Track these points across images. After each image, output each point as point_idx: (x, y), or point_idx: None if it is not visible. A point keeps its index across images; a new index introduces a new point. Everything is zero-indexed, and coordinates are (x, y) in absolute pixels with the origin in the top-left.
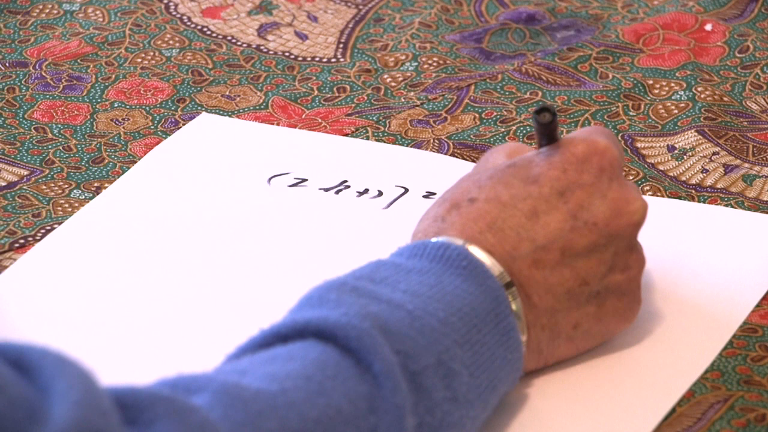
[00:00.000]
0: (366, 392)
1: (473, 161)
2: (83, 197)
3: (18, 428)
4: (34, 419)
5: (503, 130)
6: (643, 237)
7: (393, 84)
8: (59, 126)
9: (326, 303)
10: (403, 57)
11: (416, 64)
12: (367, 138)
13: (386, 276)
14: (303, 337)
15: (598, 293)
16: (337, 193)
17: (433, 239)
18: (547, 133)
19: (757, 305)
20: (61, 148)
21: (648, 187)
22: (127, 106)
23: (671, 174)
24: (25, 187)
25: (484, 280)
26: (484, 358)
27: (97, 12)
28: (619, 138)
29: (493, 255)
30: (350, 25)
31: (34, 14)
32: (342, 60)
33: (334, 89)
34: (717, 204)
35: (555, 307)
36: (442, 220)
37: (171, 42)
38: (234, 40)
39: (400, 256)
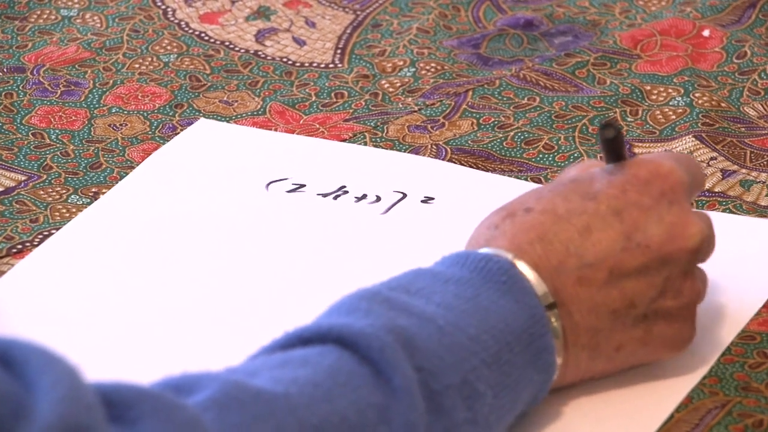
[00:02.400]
0: (379, 403)
1: (471, 167)
2: (81, 202)
3: (2, 424)
4: (19, 415)
5: (501, 135)
6: None
7: (391, 89)
8: (57, 131)
9: (355, 312)
10: (401, 63)
11: (414, 69)
12: (365, 143)
13: (422, 287)
14: (324, 342)
15: (646, 317)
16: (335, 198)
17: (480, 250)
18: (613, 150)
19: (756, 313)
20: (58, 153)
21: None
22: (125, 112)
23: None
24: (22, 193)
25: (523, 297)
26: (512, 379)
27: (95, 17)
28: None
29: (539, 268)
30: (348, 31)
31: (32, 20)
32: (340, 65)
33: (332, 95)
34: (715, 207)
35: (597, 327)
36: (495, 228)
37: (169, 47)
38: (232, 46)
39: (441, 264)
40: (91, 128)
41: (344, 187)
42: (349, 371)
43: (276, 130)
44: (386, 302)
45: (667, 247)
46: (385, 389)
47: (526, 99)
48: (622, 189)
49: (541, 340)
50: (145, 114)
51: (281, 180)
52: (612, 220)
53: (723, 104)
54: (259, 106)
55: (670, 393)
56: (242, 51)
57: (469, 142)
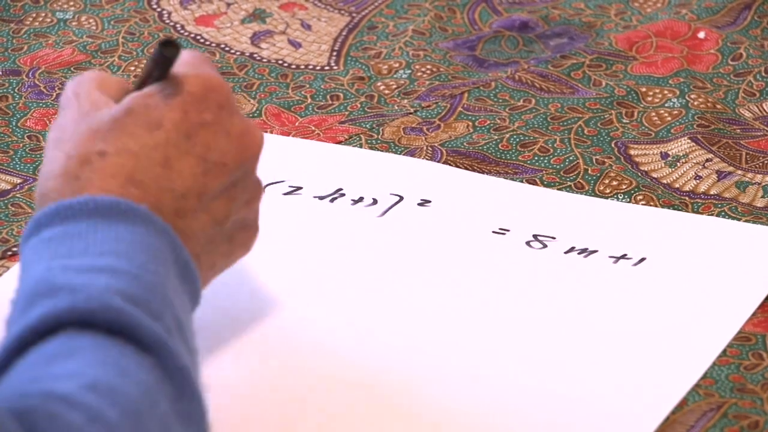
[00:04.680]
0: (152, 363)
1: (466, 169)
2: None
3: None
4: None
5: (496, 137)
6: (638, 246)
7: (386, 92)
8: None
9: (59, 291)
10: (397, 65)
11: (409, 71)
12: (361, 146)
13: (69, 249)
14: (57, 332)
15: (228, 230)
16: (331, 201)
17: (79, 198)
18: (165, 68)
19: (752, 314)
20: None
21: (641, 196)
22: None
23: (664, 181)
24: (18, 196)
25: (149, 219)
26: (183, 300)
27: (91, 20)
28: (612, 145)
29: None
30: (344, 33)
31: (27, 22)
32: (335, 68)
33: (328, 97)
34: (710, 210)
35: (197, 254)
36: (76, 178)
37: None
38: (227, 48)
39: (50, 228)
40: None
41: (341, 189)
42: (112, 345)
43: (272, 132)
44: (71, 270)
45: (240, 159)
46: (141, 349)
47: (521, 101)
48: (183, 110)
49: (182, 254)
50: None
51: (277, 182)
52: (185, 146)
53: (718, 106)
54: (254, 109)
55: (665, 395)
56: (238, 53)
57: (465, 144)
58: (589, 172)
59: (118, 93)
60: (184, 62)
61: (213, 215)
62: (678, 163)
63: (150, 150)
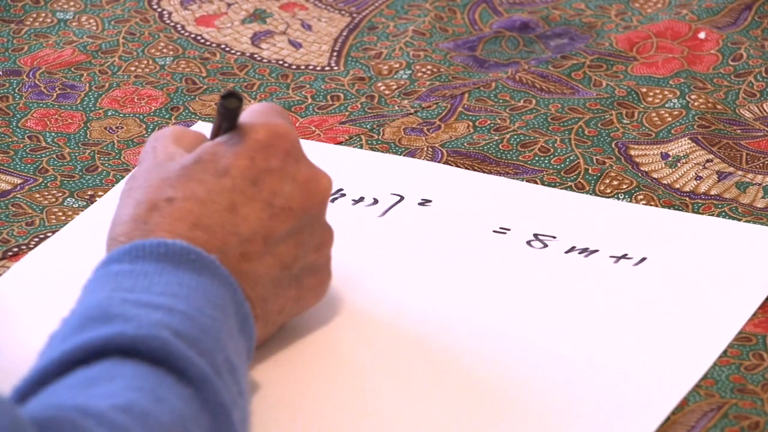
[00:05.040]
0: (191, 394)
1: (467, 169)
2: (77, 205)
3: None
4: None
5: (497, 138)
6: (639, 245)
7: (387, 92)
8: (53, 134)
9: (113, 319)
10: (397, 65)
11: (410, 72)
12: (361, 146)
13: (133, 285)
14: (102, 357)
15: (297, 275)
16: (332, 201)
17: (140, 241)
18: (233, 119)
19: (753, 314)
20: (54, 156)
21: (642, 196)
22: (121, 115)
23: (665, 182)
24: (18, 196)
25: (216, 271)
26: (239, 349)
27: (91, 20)
28: (613, 146)
29: (207, 252)
30: (344, 34)
31: (28, 23)
32: (336, 68)
33: (328, 97)
34: (711, 211)
35: (264, 297)
36: (144, 223)
37: (165, 50)
38: (228, 49)
39: (119, 263)
40: (87, 131)
41: (341, 189)
42: (155, 374)
43: None
44: (127, 303)
45: (306, 205)
46: (184, 381)
47: (522, 101)
48: (249, 158)
49: (242, 308)
50: (141, 117)
51: None
52: (251, 192)
53: (719, 106)
54: None
55: (666, 395)
56: (238, 54)
57: (465, 144)
58: (590, 171)
59: (192, 145)
60: (255, 111)
61: (280, 259)
62: (678, 164)
63: (216, 195)
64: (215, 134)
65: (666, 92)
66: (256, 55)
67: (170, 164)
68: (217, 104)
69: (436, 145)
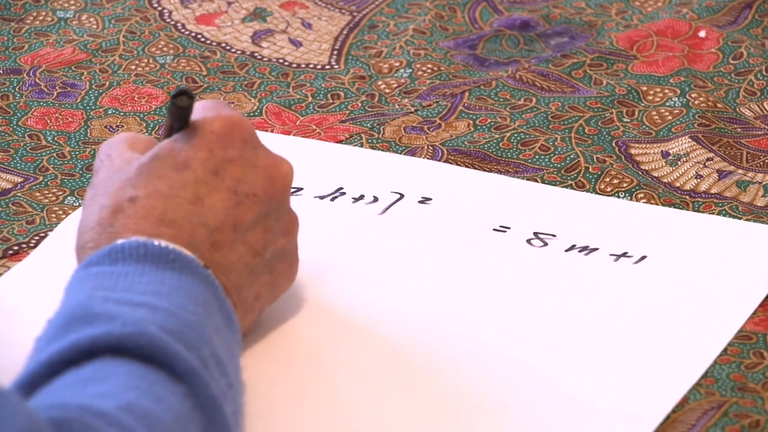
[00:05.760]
0: (184, 392)
1: (467, 167)
2: (77, 204)
3: None
4: None
5: (497, 136)
6: (639, 244)
7: (387, 91)
8: (53, 133)
9: (97, 318)
10: (398, 64)
11: (410, 70)
12: (362, 145)
13: (114, 284)
14: (91, 357)
15: (269, 261)
16: (332, 200)
17: (119, 242)
18: (185, 117)
19: (753, 313)
20: (55, 155)
21: (642, 195)
22: (121, 113)
23: (665, 180)
24: (18, 194)
25: (195, 269)
26: (225, 344)
27: (91, 19)
28: (613, 144)
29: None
30: (344, 32)
31: (28, 21)
32: (336, 67)
33: (329, 96)
34: (711, 209)
35: (239, 284)
36: (110, 226)
37: (165, 49)
38: (228, 47)
39: (99, 266)
40: (88, 130)
41: (341, 188)
42: (147, 372)
43: (272, 131)
44: (110, 301)
45: (270, 191)
46: (175, 378)
47: (522, 100)
48: (207, 149)
49: (225, 304)
50: (142, 115)
51: None
52: (214, 182)
53: (719, 105)
54: (255, 108)
55: (666, 393)
56: (238, 52)
57: (466, 143)
58: (590, 170)
59: (147, 149)
60: (203, 108)
61: (251, 246)
62: (679, 162)
63: (179, 189)
64: (168, 134)
65: (666, 91)
66: (256, 54)
67: (129, 167)
68: (167, 104)
69: (437, 144)
